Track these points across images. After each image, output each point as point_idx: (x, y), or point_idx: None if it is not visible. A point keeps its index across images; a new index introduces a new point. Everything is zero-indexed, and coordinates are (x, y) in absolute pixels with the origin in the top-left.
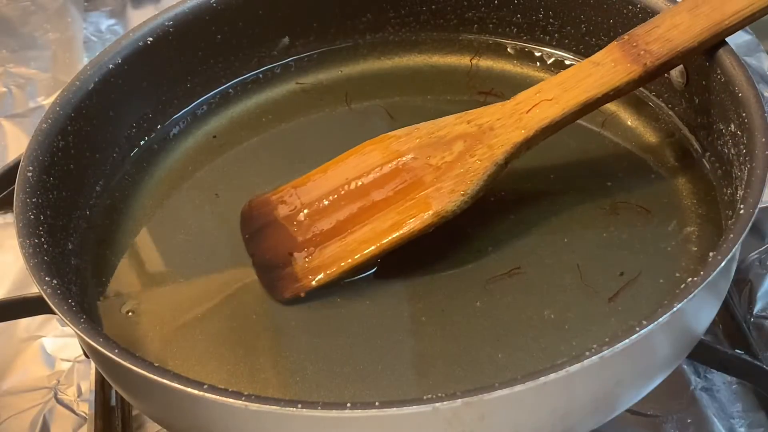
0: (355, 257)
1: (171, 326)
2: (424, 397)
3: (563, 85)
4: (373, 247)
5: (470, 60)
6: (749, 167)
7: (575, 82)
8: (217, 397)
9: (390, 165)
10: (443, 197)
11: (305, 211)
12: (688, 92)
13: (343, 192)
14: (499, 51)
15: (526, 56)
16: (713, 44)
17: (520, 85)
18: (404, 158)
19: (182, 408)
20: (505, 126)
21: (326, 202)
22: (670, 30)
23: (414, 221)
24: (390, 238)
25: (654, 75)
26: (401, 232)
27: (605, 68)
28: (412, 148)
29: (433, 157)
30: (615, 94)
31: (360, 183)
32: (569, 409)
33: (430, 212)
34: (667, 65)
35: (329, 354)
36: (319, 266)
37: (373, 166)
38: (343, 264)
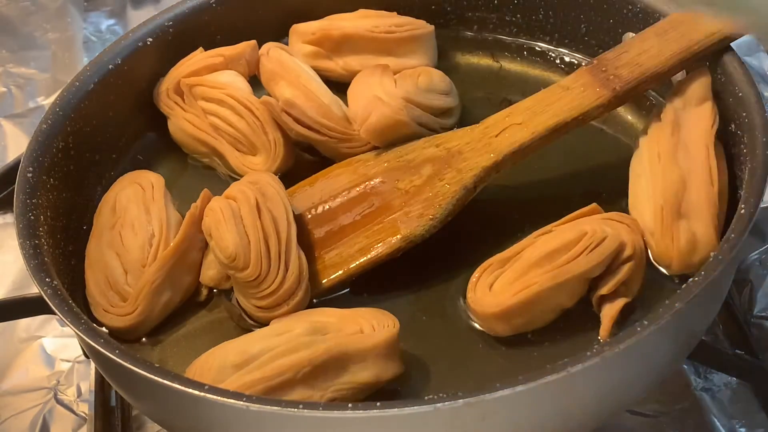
0: (323, 282)
1: (171, 326)
2: (426, 398)
3: (532, 109)
4: (340, 272)
5: (468, 59)
6: (749, 167)
7: (544, 106)
8: (219, 397)
9: (358, 189)
10: (412, 221)
11: None
12: None
13: (309, 216)
14: (505, 51)
15: (529, 54)
16: (683, 68)
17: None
18: (372, 182)
19: (183, 409)
20: (474, 150)
21: None
22: (640, 55)
23: (382, 246)
24: (357, 263)
25: (623, 99)
26: (369, 256)
27: (574, 93)
28: (380, 172)
29: (402, 180)
30: (584, 119)
31: (327, 207)
32: (570, 409)
33: (398, 237)
34: (637, 89)
35: None
36: None
37: (341, 190)
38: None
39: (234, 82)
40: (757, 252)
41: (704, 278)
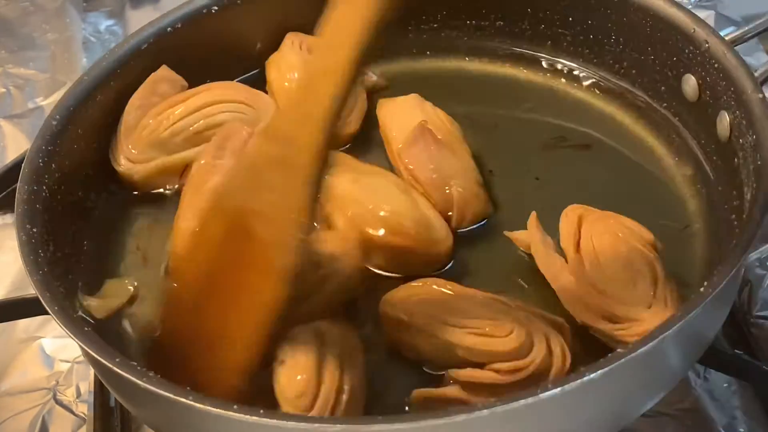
0: None
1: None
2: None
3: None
4: None
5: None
6: (753, 166)
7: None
8: (217, 409)
9: None
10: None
11: None
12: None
13: None
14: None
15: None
16: None
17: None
18: None
19: (182, 418)
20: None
21: None
22: None
23: None
24: None
25: None
26: None
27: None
28: None
29: None
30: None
31: None
32: (582, 419)
33: None
34: None
35: None
36: None
37: None
38: None
39: None
40: (757, 252)
41: (712, 289)
